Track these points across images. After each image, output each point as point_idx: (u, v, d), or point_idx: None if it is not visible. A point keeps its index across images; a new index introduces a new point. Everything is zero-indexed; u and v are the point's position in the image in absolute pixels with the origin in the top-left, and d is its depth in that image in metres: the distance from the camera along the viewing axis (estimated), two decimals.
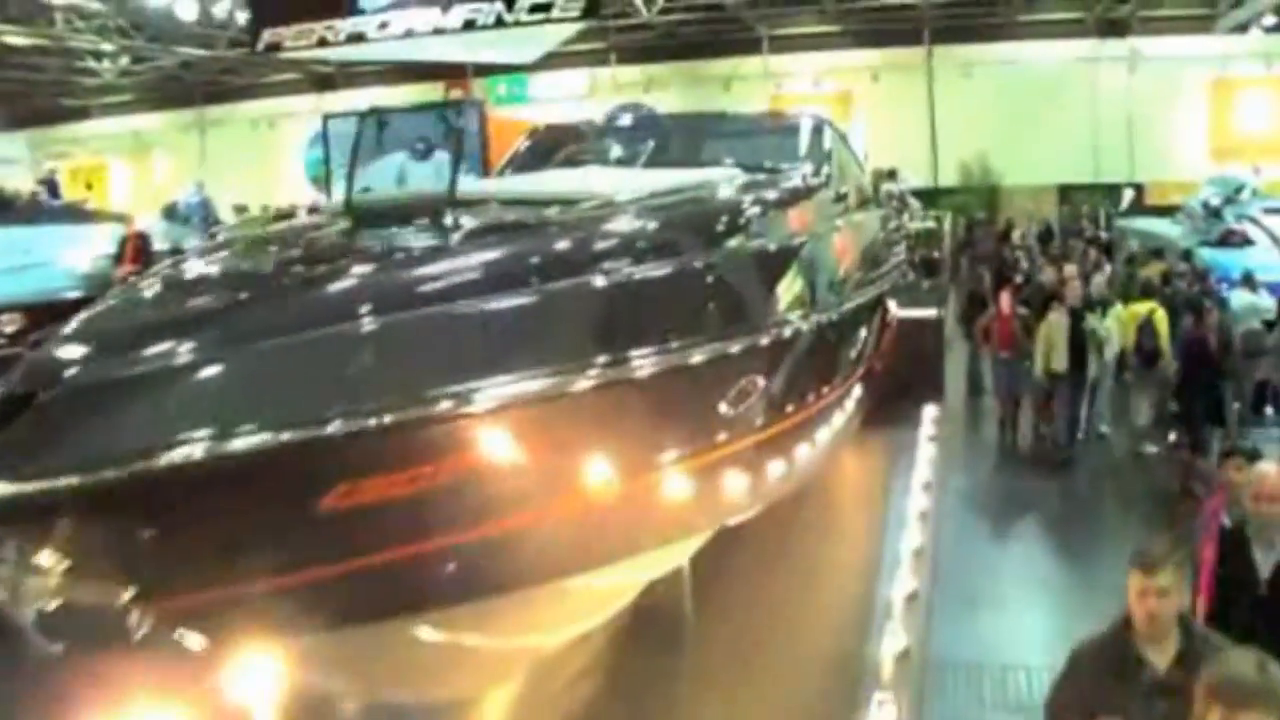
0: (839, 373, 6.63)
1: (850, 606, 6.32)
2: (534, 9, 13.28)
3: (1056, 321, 10.38)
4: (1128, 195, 25.69)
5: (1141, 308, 10.67)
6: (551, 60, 33.81)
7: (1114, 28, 28.29)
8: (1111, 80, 28.51)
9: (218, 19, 21.47)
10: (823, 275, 6.14)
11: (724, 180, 5.84)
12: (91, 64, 31.70)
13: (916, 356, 11.23)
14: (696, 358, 4.27)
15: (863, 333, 7.89)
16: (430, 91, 34.65)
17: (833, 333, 6.21)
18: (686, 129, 8.36)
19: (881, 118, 30.17)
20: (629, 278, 4.18)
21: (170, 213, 18.72)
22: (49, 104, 35.42)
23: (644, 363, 3.98)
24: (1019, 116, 28.59)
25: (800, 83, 31.33)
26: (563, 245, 4.28)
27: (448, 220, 4.30)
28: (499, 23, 13.41)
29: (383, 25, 14.51)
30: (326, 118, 13.24)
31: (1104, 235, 22.63)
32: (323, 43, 14.81)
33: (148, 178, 36.11)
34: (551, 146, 7.83)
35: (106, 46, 28.58)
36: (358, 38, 14.55)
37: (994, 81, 29.23)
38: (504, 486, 3.73)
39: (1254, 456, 4.79)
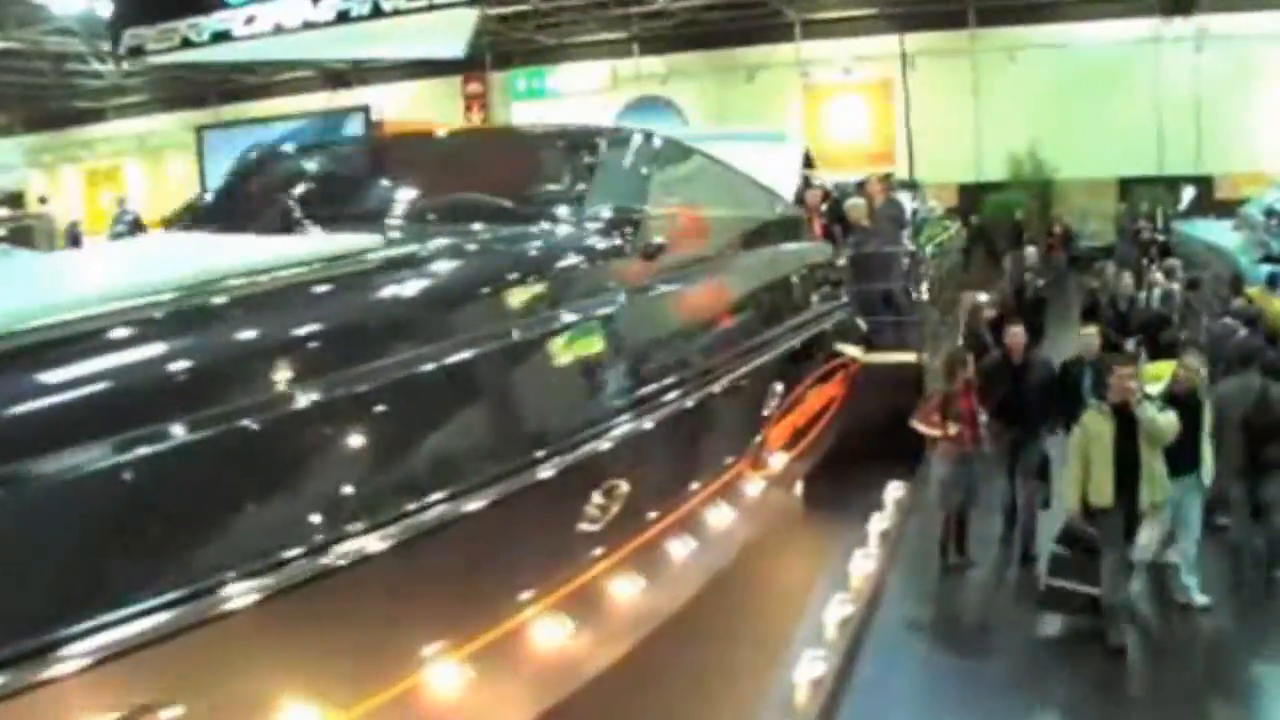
0: (665, 500, 4.66)
1: None
2: None
3: (1097, 430, 6.74)
4: (1188, 193, 22.76)
5: (1161, 370, 8.08)
6: (571, 51, 32.18)
7: (1179, 5, 25.51)
8: (1177, 62, 25.72)
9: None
10: (592, 377, 4.16)
11: (357, 257, 3.81)
12: (95, 65, 30.71)
13: (888, 412, 9.01)
14: None
15: (743, 416, 5.82)
16: (446, 87, 33.13)
17: (625, 449, 4.21)
18: (435, 155, 6.19)
19: (919, 107, 27.85)
20: None
21: (74, 239, 17.06)
22: (61, 107, 34.65)
23: None
24: (1073, 104, 25.92)
25: (831, 71, 28.93)
26: None
27: None
28: (376, 12, 11.67)
29: (249, 20, 13.01)
30: None
31: (1161, 238, 20.05)
32: (187, 43, 13.28)
33: (163, 180, 35.19)
34: (231, 186, 5.84)
35: (104, 46, 27.53)
36: (223, 35, 13.01)
37: (1044, 66, 26.64)
38: None
39: None
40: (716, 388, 5.10)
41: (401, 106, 32.68)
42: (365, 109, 26.06)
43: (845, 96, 29.38)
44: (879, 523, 7.99)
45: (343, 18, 12.05)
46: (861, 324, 9.52)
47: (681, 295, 5.19)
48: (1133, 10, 26.12)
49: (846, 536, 7.58)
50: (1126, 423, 6.66)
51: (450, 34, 12.18)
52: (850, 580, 7.00)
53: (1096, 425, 6.77)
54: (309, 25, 12.42)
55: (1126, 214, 23.69)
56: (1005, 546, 8.24)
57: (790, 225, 8.14)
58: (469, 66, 32.61)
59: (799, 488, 7.54)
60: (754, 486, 5.82)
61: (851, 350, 9.14)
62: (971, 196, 27.53)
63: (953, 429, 7.86)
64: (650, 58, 30.59)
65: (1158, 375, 8.17)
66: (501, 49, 31.98)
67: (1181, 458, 6.98)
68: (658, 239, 4.88)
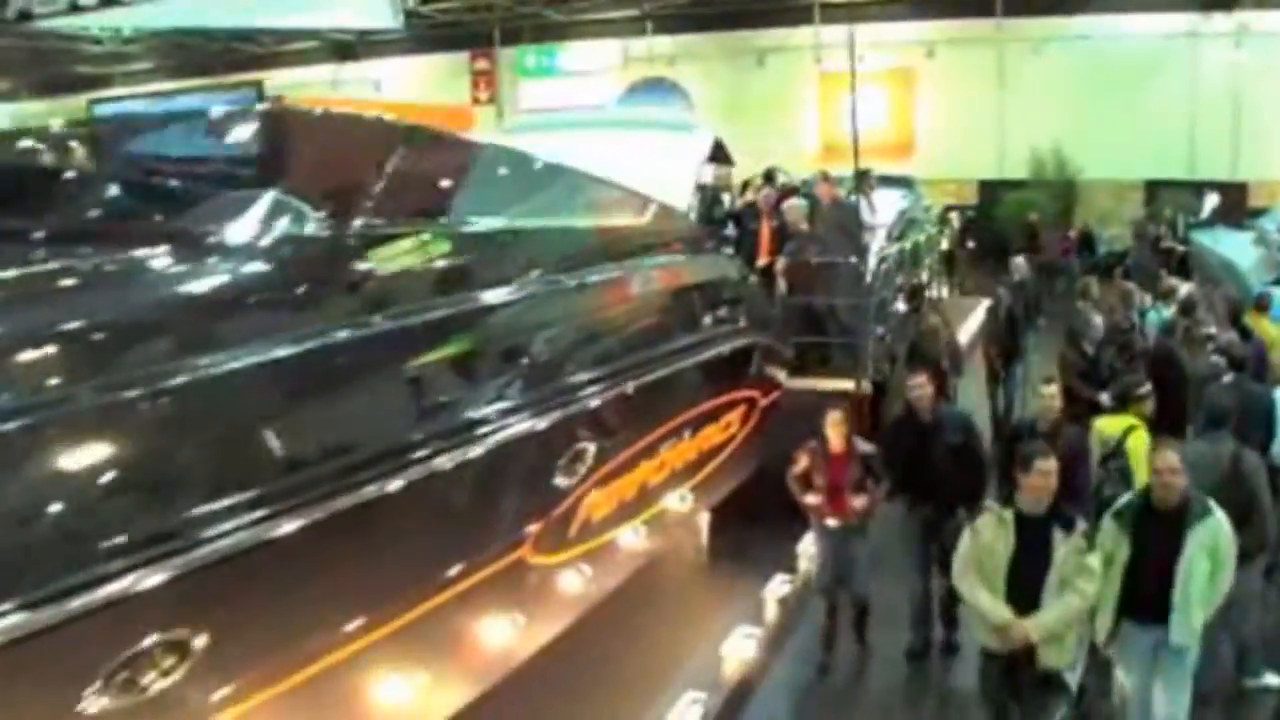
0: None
1: None
2: None
3: (989, 541, 4.99)
4: (1210, 200, 21.12)
5: (1113, 426, 6.67)
6: (583, 29, 30.95)
7: None
8: (1214, 60, 24.17)
9: None
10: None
11: None
12: (95, 31, 30.03)
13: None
14: None
15: (504, 491, 4.64)
16: (455, 62, 32.13)
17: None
18: (145, 145, 5.01)
19: (940, 99, 26.52)
20: None
21: None
22: (66, 73, 33.98)
23: None
24: (1102, 101, 24.35)
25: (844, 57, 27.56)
26: None
27: None
28: None
29: None
30: None
31: (1181, 249, 18.60)
32: (75, 7, 12.41)
33: None
34: None
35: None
36: (113, 1, 12.10)
37: (1073, 59, 25.14)
38: None
39: None
40: (449, 460, 3.94)
41: (408, 81, 31.81)
42: (258, 84, 24.68)
43: (864, 85, 27.94)
44: (774, 589, 6.92)
45: None
46: (780, 348, 8.34)
47: (400, 337, 3.92)
48: (1169, 3, 24.56)
49: (718, 614, 6.46)
50: (1033, 537, 4.88)
51: (373, 3, 11.17)
52: (714, 673, 5.91)
53: (990, 534, 4.97)
54: None
55: (1146, 219, 22.06)
56: (920, 636, 6.73)
57: (666, 234, 6.88)
58: (477, 42, 31.65)
59: (656, 554, 6.34)
60: (545, 570, 4.73)
61: (768, 379, 7.99)
62: (992, 194, 26.22)
63: (810, 498, 6.42)
64: (663, 38, 29.44)
65: (1101, 437, 6.75)
66: (511, 25, 30.96)
67: (1156, 596, 5.07)
68: (367, 265, 3.80)
